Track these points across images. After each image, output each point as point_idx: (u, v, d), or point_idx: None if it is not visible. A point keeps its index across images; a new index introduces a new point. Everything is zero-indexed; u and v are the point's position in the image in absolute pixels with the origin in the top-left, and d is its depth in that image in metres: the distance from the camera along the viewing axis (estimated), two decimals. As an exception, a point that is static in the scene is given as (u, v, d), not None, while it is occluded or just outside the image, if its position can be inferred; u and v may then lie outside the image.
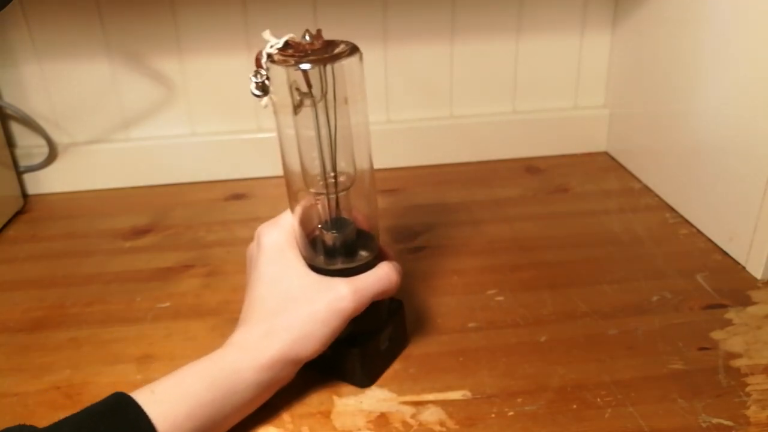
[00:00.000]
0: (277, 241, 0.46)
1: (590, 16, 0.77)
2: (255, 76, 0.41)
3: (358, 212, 0.46)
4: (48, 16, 0.71)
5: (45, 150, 0.76)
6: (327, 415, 0.44)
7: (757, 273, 0.57)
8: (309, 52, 0.40)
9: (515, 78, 0.80)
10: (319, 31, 0.41)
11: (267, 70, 0.41)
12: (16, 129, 0.77)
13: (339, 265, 0.45)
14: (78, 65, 0.74)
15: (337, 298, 0.42)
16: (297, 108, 0.42)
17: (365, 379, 0.46)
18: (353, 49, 0.41)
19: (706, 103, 0.62)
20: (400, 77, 0.78)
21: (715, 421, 0.42)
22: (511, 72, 0.80)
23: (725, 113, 0.59)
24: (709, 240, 0.63)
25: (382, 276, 0.44)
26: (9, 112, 0.75)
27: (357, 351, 0.45)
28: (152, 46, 0.74)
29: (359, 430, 0.43)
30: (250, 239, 0.66)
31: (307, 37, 0.41)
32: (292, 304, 0.43)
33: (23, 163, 0.76)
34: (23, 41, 0.72)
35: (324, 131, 0.42)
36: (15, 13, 0.70)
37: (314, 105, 0.41)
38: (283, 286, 0.44)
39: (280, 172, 0.78)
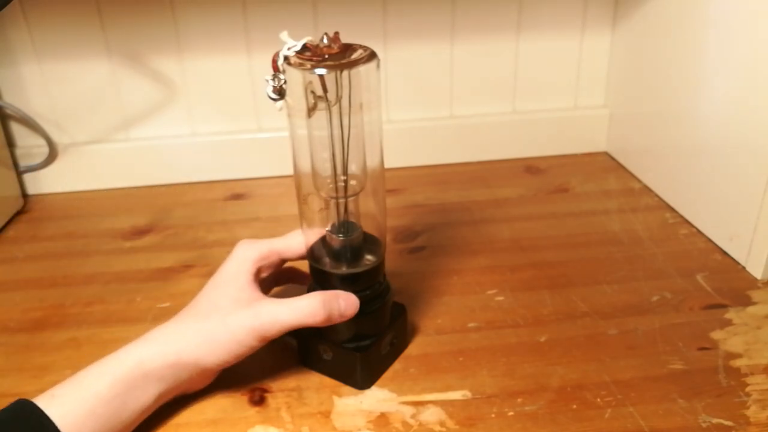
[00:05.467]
0: (244, 257, 0.46)
1: (590, 17, 0.77)
2: (273, 79, 0.40)
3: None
4: (48, 16, 0.71)
5: (45, 150, 0.76)
6: (327, 415, 0.44)
7: (757, 273, 0.57)
8: (326, 56, 0.39)
9: (515, 78, 0.80)
10: (336, 33, 0.40)
11: (284, 72, 0.40)
12: (16, 129, 0.77)
13: (344, 270, 0.45)
14: (78, 65, 0.74)
15: (251, 315, 0.42)
16: (311, 111, 0.41)
17: (365, 381, 0.46)
18: (371, 55, 0.40)
19: (706, 103, 0.62)
20: (400, 77, 0.78)
21: (715, 421, 0.42)
22: (511, 72, 0.80)
23: (725, 113, 0.59)
24: (709, 240, 0.63)
25: (303, 310, 0.43)
26: (9, 112, 0.75)
27: (359, 355, 0.45)
28: (152, 46, 0.74)
29: (359, 430, 0.43)
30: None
31: (325, 40, 0.40)
32: (215, 312, 0.43)
33: (23, 163, 0.76)
34: (23, 41, 0.72)
35: (337, 135, 0.42)
36: (15, 13, 0.70)
37: (329, 109, 0.41)
38: (218, 294, 0.45)
39: (279, 172, 0.79)
